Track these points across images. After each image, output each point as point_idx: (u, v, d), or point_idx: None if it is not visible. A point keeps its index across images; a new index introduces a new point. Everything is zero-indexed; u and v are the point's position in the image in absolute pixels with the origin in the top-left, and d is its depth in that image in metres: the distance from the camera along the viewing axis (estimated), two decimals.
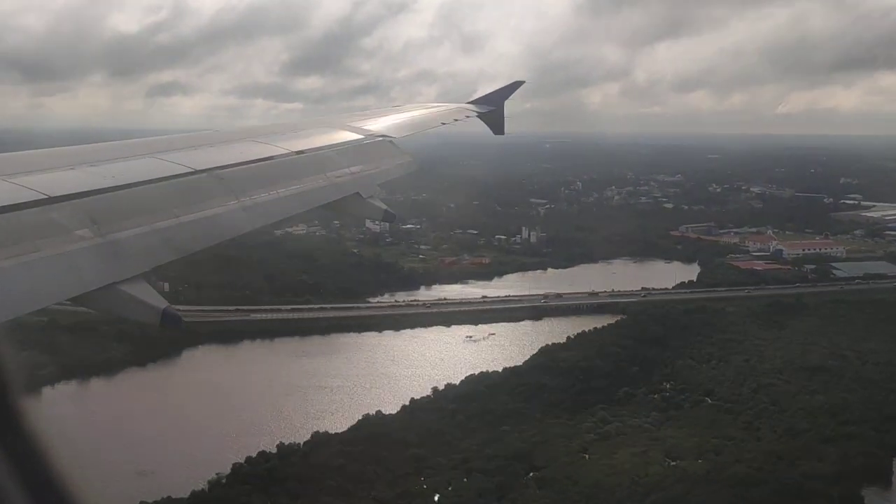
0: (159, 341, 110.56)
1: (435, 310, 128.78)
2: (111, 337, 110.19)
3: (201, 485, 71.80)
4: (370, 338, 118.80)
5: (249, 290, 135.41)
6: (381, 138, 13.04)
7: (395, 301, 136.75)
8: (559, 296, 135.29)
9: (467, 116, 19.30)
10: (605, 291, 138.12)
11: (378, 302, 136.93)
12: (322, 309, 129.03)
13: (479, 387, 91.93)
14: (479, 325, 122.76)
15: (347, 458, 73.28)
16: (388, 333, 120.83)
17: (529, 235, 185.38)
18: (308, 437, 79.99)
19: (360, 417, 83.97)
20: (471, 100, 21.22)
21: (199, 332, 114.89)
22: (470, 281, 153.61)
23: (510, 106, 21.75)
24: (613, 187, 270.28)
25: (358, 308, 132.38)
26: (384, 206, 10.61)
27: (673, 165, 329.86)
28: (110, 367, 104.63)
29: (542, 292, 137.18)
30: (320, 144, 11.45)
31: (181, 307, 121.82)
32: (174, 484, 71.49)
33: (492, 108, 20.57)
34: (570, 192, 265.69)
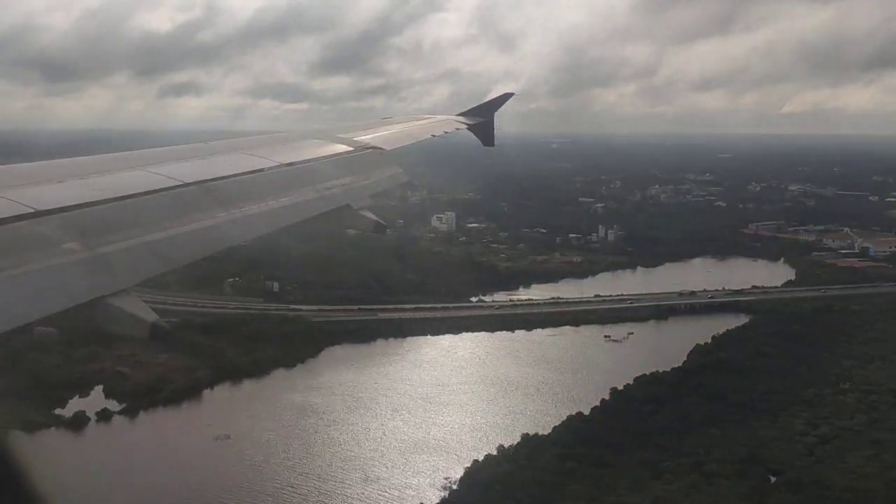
0: (298, 341, 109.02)
1: (558, 309, 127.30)
2: (249, 338, 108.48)
3: None
4: (505, 337, 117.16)
5: (360, 290, 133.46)
6: (371, 150, 13.05)
7: (511, 300, 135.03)
8: (693, 293, 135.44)
9: (457, 129, 19.26)
10: (719, 290, 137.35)
11: (494, 301, 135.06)
12: (445, 308, 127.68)
13: (661, 387, 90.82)
14: (607, 325, 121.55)
15: (577, 462, 72.10)
16: (521, 333, 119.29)
17: (606, 234, 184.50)
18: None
19: (564, 418, 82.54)
20: (461, 112, 21.19)
21: (334, 331, 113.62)
22: (566, 280, 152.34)
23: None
24: (657, 186, 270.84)
25: (480, 307, 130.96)
26: (374, 218, 10.48)
27: (692, 164, 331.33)
28: (260, 368, 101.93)
29: (658, 291, 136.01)
30: (310, 156, 11.42)
31: (303, 307, 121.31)
32: None
33: (481, 120, 20.59)
34: (610, 191, 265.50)
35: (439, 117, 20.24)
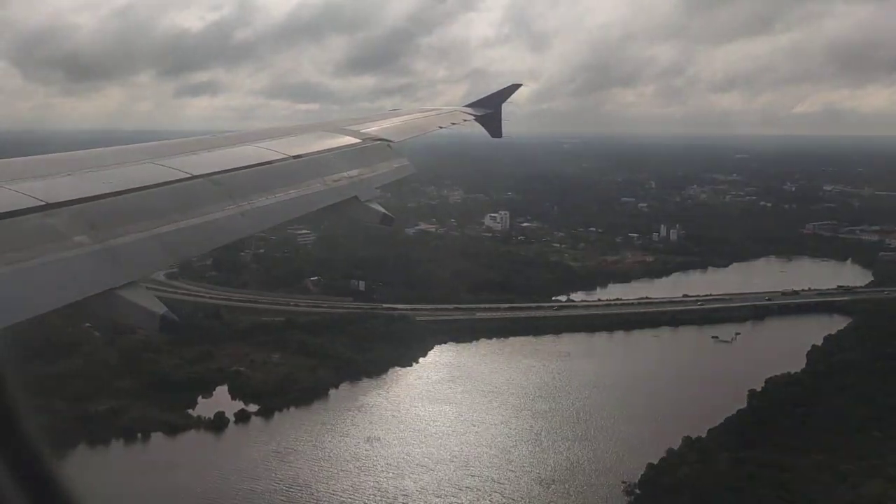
0: (406, 340, 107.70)
1: (652, 309, 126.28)
2: (360, 337, 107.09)
3: None
4: (608, 338, 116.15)
5: (444, 289, 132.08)
6: (378, 142, 13.04)
7: (599, 300, 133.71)
8: (796, 293, 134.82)
9: (464, 120, 19.14)
10: (805, 290, 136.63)
11: (583, 300, 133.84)
12: (539, 308, 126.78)
13: (800, 389, 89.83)
14: (705, 326, 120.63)
15: (755, 465, 70.95)
16: (620, 333, 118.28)
17: (668, 233, 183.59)
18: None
19: (721, 421, 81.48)
20: (468, 103, 21.02)
21: (438, 330, 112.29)
22: (641, 280, 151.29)
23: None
24: (695, 186, 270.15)
25: (571, 307, 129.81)
26: (382, 210, 10.45)
27: (713, 165, 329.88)
28: (378, 367, 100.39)
29: (752, 291, 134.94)
30: (318, 149, 11.39)
31: (398, 306, 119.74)
32: None
33: (489, 111, 20.42)
34: (646, 191, 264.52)
35: (446, 109, 19.89)
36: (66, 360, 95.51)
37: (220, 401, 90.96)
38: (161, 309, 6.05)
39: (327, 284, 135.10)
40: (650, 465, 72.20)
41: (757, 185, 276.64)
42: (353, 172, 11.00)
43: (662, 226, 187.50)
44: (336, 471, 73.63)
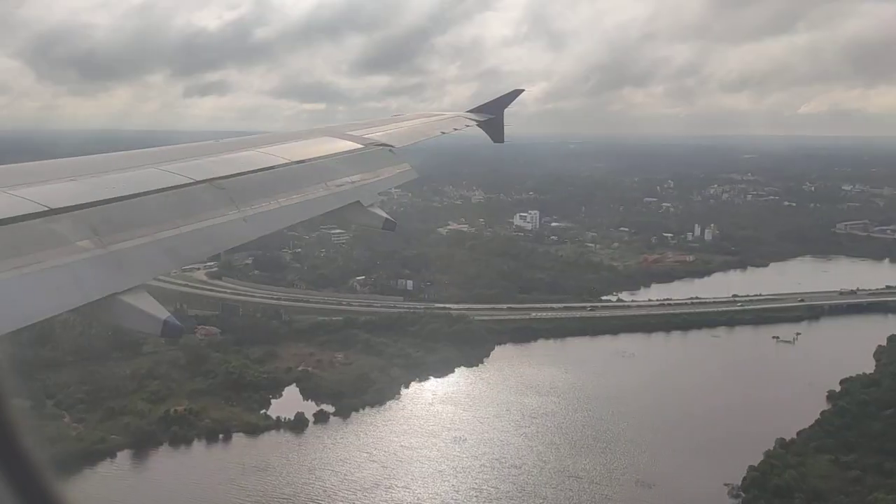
0: (466, 340, 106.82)
1: (704, 309, 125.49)
2: (421, 336, 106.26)
3: None
4: (667, 339, 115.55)
5: (495, 289, 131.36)
6: (380, 147, 13.07)
7: (651, 300, 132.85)
8: (854, 292, 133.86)
9: (466, 126, 19.22)
10: (864, 290, 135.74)
11: (634, 301, 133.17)
12: (593, 308, 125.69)
13: (881, 391, 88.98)
14: (761, 326, 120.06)
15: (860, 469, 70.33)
16: (677, 334, 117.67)
17: (703, 233, 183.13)
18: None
19: (810, 423, 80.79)
20: (470, 109, 21.08)
21: (497, 330, 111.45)
22: (684, 280, 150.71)
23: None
24: (716, 185, 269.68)
25: (623, 307, 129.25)
26: (384, 215, 10.49)
27: (724, 165, 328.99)
28: (447, 366, 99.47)
29: (804, 291, 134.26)
30: (320, 154, 11.41)
31: (452, 305, 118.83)
32: None
33: (491, 117, 20.52)
34: (666, 191, 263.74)
35: (449, 114, 20.02)
36: (133, 361, 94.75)
37: (292, 401, 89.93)
38: (164, 314, 6.07)
39: (373, 284, 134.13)
40: (751, 468, 71.35)
41: (776, 185, 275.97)
42: (356, 177, 11.00)
43: (697, 225, 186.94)
44: (431, 471, 72.74)
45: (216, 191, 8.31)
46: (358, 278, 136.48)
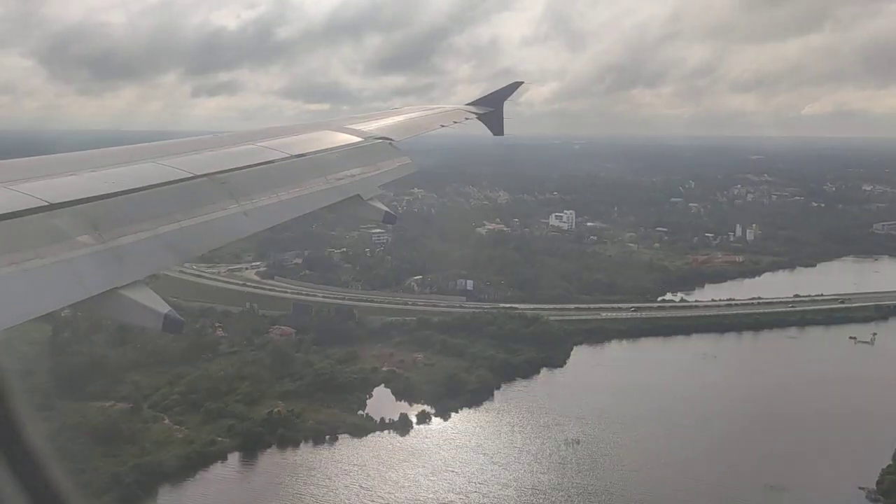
0: (545, 341, 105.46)
1: (772, 310, 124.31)
2: (499, 337, 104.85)
3: None
4: (736, 339, 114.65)
5: (557, 289, 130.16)
6: (380, 140, 13.02)
7: (714, 300, 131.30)
8: None
9: (466, 118, 19.11)
10: None
11: (697, 301, 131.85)
12: (661, 308, 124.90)
13: None
14: (832, 327, 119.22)
15: None
16: (749, 335, 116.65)
17: (745, 233, 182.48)
18: None
19: None
20: (469, 101, 20.99)
21: (571, 331, 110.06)
22: (737, 280, 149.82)
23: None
24: (739, 186, 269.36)
25: (688, 307, 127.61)
26: (385, 208, 10.53)
27: (736, 166, 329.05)
28: (530, 368, 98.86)
29: (868, 291, 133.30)
30: (320, 147, 11.39)
31: (518, 305, 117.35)
32: None
33: (490, 110, 20.45)
34: (688, 192, 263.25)
35: (448, 107, 19.91)
36: (213, 362, 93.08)
37: (384, 401, 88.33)
38: (165, 308, 6.03)
39: (429, 284, 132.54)
40: (885, 471, 70.10)
41: (796, 186, 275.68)
42: (356, 171, 10.93)
43: (738, 225, 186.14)
44: (560, 477, 71.20)
45: (216, 185, 8.28)
46: (415, 278, 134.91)
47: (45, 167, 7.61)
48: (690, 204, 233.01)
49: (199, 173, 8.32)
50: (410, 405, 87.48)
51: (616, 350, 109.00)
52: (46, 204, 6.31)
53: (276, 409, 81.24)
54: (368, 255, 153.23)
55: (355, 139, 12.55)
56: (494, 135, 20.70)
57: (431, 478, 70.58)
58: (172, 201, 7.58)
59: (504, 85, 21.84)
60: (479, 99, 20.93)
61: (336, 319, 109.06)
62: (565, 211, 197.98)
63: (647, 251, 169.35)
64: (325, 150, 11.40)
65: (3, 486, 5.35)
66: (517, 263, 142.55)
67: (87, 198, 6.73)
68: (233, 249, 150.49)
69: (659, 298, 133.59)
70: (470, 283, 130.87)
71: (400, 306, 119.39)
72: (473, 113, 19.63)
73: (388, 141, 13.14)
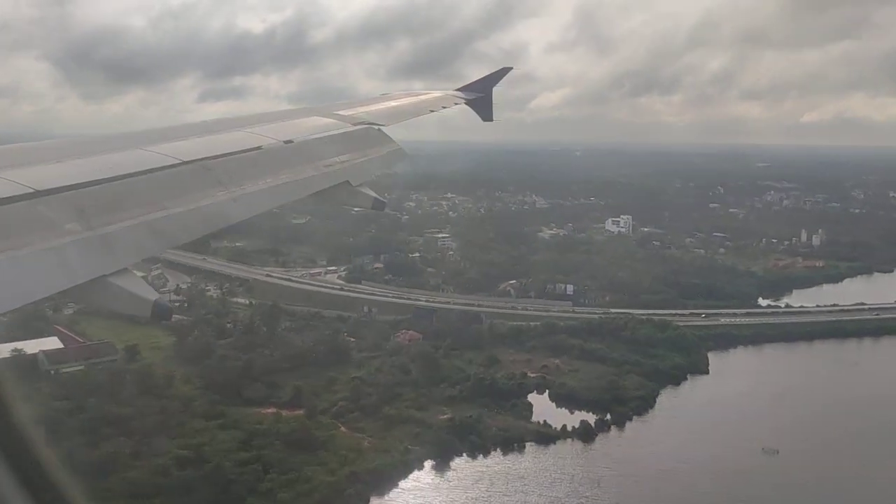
0: (679, 346, 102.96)
1: (886, 316, 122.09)
2: (635, 342, 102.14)
3: None
4: (859, 345, 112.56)
5: (661, 294, 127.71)
6: (369, 126, 12.90)
7: (820, 306, 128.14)
8: None
9: (455, 104, 19.01)
10: None
11: (801, 306, 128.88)
12: (774, 313, 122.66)
13: None
14: None
15: None
16: (868, 341, 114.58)
17: (810, 238, 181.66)
18: None
19: None
20: (459, 87, 20.81)
21: (701, 336, 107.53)
22: (823, 285, 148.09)
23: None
24: (771, 192, 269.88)
25: (802, 313, 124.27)
26: (373, 194, 10.37)
27: (750, 173, 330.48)
28: (678, 374, 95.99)
29: None
30: (309, 134, 11.32)
31: (634, 311, 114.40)
32: None
33: (480, 95, 20.35)
34: (718, 197, 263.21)
35: (437, 93, 19.63)
36: (364, 367, 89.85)
37: (544, 407, 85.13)
38: (153, 295, 6.02)
39: (525, 288, 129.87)
40: None
41: (824, 192, 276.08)
42: (345, 157, 10.85)
43: (803, 230, 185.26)
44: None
45: (204, 172, 8.17)
46: (510, 282, 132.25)
47: (32, 154, 7.50)
48: (731, 210, 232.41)
49: (186, 160, 8.14)
50: (571, 412, 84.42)
51: (749, 356, 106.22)
52: (33, 191, 6.20)
53: (443, 416, 77.99)
54: (442, 258, 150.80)
55: (344, 125, 12.30)
56: (483, 120, 20.28)
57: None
58: (160, 188, 7.44)
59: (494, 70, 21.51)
60: (469, 85, 20.57)
61: (461, 324, 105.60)
62: (622, 216, 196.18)
63: (717, 256, 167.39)
64: (314, 136, 11.16)
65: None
66: (602, 268, 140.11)
67: (75, 185, 6.61)
68: (305, 253, 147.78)
69: (763, 303, 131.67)
70: (570, 288, 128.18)
71: (509, 311, 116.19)
72: (462, 98, 19.34)
73: (377, 127, 12.89)
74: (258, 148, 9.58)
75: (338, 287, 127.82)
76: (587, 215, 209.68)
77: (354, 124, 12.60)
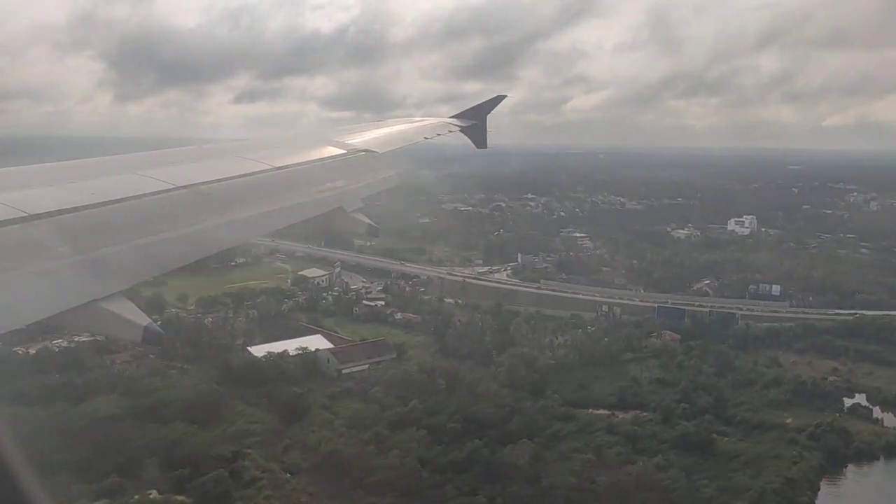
0: None
1: None
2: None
3: None
4: None
5: (876, 296, 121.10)
6: (363, 153, 12.73)
7: None
8: None
9: (450, 131, 19.00)
10: None
11: None
12: None
13: None
14: None
15: None
16: None
17: None
18: None
19: None
20: (453, 115, 20.99)
21: None
22: None
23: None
24: (855, 194, 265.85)
25: None
26: (367, 220, 10.20)
27: (779, 174, 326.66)
28: None
29: None
30: (303, 159, 11.23)
31: (868, 312, 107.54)
32: None
33: (474, 122, 20.39)
34: (795, 198, 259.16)
35: (432, 120, 19.71)
36: (640, 370, 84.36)
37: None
38: (144, 320, 5.83)
39: (720, 287, 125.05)
40: None
41: (873, 195, 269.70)
42: (339, 183, 10.77)
43: None
44: None
45: (197, 197, 8.07)
46: (705, 282, 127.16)
47: (24, 178, 7.50)
48: (825, 211, 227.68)
49: (179, 185, 8.03)
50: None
51: None
52: (25, 215, 6.11)
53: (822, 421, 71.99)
54: (604, 256, 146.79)
55: (338, 151, 12.23)
56: (477, 147, 20.43)
57: None
58: (152, 213, 7.35)
59: (488, 98, 21.53)
60: (463, 112, 20.76)
61: (716, 325, 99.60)
62: (745, 216, 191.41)
63: (863, 256, 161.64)
64: (308, 162, 11.13)
65: None
66: (778, 268, 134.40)
67: (67, 209, 6.52)
68: (447, 252, 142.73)
69: None
70: (776, 288, 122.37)
71: (732, 310, 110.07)
72: (457, 126, 19.41)
73: (372, 153, 12.81)
74: (252, 174, 9.42)
75: (534, 286, 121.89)
76: (692, 216, 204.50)
77: (349, 150, 12.41)
